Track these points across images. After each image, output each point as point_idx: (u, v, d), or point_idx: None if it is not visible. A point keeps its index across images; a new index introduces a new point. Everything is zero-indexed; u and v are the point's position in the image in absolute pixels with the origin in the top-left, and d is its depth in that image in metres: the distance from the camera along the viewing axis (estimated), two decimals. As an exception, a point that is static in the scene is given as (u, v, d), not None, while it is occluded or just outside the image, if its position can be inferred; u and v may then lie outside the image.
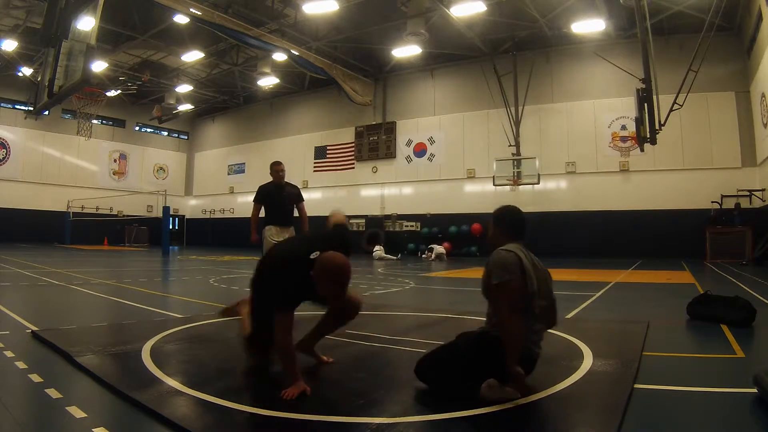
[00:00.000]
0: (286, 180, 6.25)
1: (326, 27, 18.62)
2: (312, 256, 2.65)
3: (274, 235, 5.90)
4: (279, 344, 2.58)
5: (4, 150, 24.47)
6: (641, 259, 15.08)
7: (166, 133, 31.25)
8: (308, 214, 6.33)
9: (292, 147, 25.71)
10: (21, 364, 2.99)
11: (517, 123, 18.93)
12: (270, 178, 6.16)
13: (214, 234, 29.28)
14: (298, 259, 2.68)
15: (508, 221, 2.77)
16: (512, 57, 18.76)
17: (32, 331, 3.88)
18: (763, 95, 14.14)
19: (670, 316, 5.10)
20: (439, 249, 17.99)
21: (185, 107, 27.36)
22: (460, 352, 2.55)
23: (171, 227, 25.37)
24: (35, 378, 2.73)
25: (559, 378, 2.74)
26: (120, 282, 8.27)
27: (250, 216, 6.14)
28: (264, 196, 6.07)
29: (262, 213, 6.13)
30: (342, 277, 2.61)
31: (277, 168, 6.12)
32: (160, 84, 24.33)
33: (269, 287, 2.70)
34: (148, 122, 29.01)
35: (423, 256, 18.42)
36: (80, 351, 3.22)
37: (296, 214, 6.29)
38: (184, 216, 31.10)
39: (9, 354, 3.21)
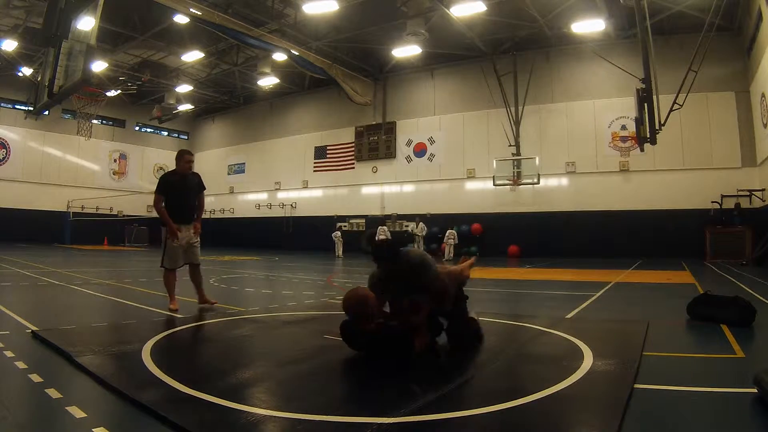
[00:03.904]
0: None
1: (326, 27, 18.61)
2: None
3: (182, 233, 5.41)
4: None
5: (4, 150, 24.47)
6: (641, 259, 15.06)
7: (166, 133, 31.25)
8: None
9: (292, 147, 25.57)
10: (21, 364, 2.98)
11: (517, 123, 18.92)
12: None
13: (214, 234, 29.20)
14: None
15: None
16: (512, 57, 18.76)
17: (32, 331, 3.88)
18: (763, 95, 14.13)
19: (670, 316, 5.09)
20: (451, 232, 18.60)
21: (185, 107, 27.35)
22: None
23: (171, 227, 25.30)
24: (35, 378, 2.72)
25: (559, 378, 2.74)
26: (120, 282, 8.26)
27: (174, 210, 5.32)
28: (167, 187, 5.37)
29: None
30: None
31: (188, 158, 5.53)
32: (160, 84, 24.32)
33: None
34: (148, 122, 29.02)
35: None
36: (80, 351, 3.21)
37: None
38: (184, 216, 31.08)
39: (9, 354, 3.21)
